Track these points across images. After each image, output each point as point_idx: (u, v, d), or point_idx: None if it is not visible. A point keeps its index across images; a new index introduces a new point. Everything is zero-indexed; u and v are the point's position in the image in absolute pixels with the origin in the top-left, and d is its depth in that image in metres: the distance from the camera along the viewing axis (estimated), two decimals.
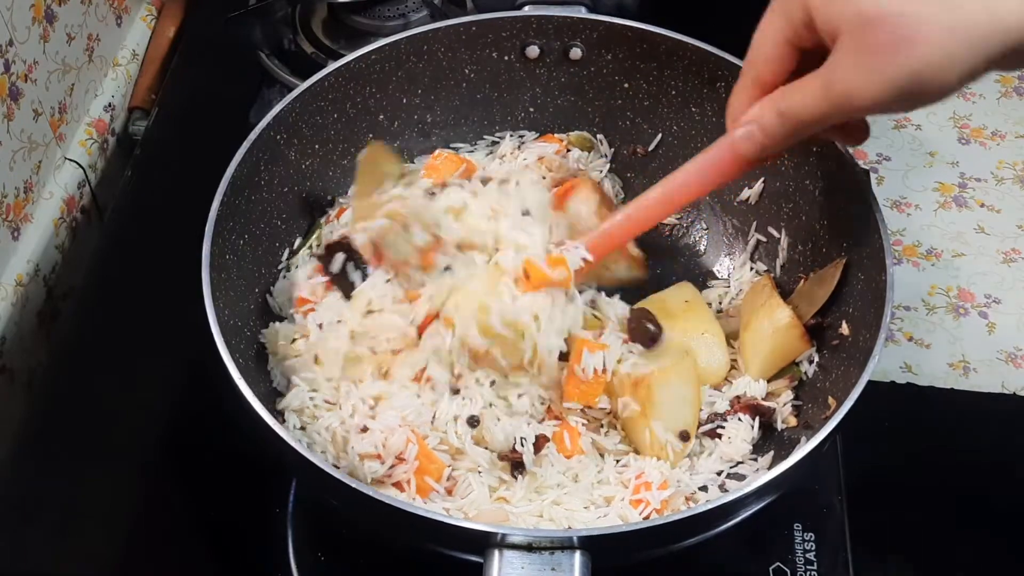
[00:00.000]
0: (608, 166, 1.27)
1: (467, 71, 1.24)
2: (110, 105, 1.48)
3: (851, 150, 1.08)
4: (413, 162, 1.25)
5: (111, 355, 1.21)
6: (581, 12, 1.20)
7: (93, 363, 1.21)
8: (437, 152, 1.23)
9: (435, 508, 0.96)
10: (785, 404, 1.08)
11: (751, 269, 1.21)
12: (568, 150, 1.26)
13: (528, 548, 0.84)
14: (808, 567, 1.04)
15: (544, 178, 1.19)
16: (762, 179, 1.19)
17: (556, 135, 1.27)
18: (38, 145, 1.32)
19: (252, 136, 1.08)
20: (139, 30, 1.57)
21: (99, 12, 1.45)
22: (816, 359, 1.08)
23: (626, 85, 1.24)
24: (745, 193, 1.21)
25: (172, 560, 1.09)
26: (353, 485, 0.86)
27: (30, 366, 1.30)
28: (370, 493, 0.86)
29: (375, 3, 1.49)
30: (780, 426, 1.06)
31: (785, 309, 1.08)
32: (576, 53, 1.23)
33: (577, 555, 0.84)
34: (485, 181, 1.07)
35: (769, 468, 0.98)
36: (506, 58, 1.24)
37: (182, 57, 1.53)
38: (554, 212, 1.09)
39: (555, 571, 0.83)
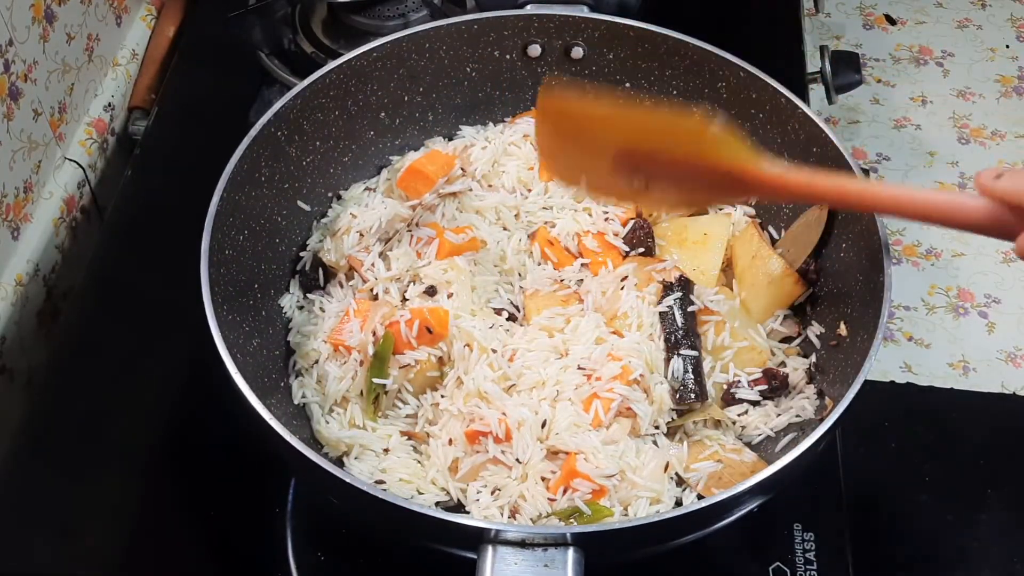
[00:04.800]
0: None
1: (469, 69, 1.24)
2: (110, 105, 1.48)
3: (851, 150, 1.08)
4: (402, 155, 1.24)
5: (111, 355, 1.21)
6: (583, 11, 1.21)
7: (93, 363, 1.21)
8: (423, 152, 1.22)
9: None
10: (800, 392, 1.07)
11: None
12: None
13: (522, 544, 0.84)
14: (808, 567, 1.04)
15: None
16: None
17: None
18: (38, 145, 1.32)
19: (253, 132, 1.08)
20: (139, 30, 1.57)
21: (99, 12, 1.45)
22: (814, 359, 1.08)
23: (627, 84, 1.24)
24: None
25: (172, 560, 1.09)
26: (351, 483, 0.86)
27: (30, 366, 1.30)
28: (367, 490, 0.86)
29: (375, 3, 1.48)
30: (795, 393, 1.06)
31: (777, 260, 1.11)
32: (578, 52, 1.23)
33: (570, 551, 0.84)
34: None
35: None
36: (508, 57, 1.24)
37: (182, 57, 1.53)
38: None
39: (548, 567, 0.83)
